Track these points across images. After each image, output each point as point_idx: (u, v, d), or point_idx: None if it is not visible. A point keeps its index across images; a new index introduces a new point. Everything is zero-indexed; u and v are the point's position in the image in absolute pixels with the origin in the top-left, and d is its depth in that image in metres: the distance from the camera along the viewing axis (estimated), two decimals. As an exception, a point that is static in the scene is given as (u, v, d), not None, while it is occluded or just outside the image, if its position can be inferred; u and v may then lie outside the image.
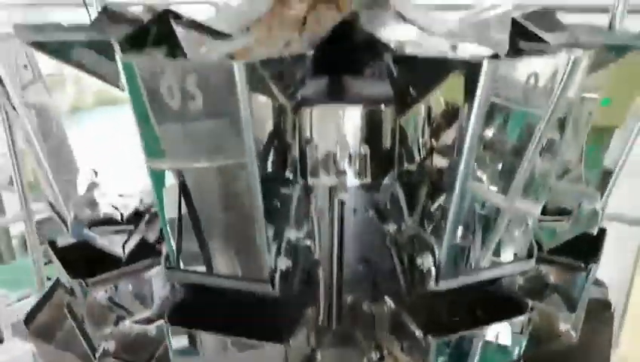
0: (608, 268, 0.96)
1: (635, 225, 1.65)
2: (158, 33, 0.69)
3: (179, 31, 0.64)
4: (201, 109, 0.48)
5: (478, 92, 0.49)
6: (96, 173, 0.80)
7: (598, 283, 1.08)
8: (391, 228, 0.72)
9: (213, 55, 0.62)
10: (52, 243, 0.88)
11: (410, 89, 0.62)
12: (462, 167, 0.54)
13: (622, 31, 0.95)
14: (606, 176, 0.83)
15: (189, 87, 0.47)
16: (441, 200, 0.68)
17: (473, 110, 0.50)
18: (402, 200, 0.71)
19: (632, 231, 2.03)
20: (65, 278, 0.85)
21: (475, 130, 0.52)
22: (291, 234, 0.66)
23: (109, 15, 0.85)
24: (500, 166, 0.64)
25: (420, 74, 0.59)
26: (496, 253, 0.68)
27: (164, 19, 0.67)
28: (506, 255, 0.69)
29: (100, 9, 1.45)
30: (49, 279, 2.16)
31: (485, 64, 0.48)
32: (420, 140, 0.75)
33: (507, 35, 0.65)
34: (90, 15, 1.32)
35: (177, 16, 0.67)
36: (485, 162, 0.61)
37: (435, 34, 0.75)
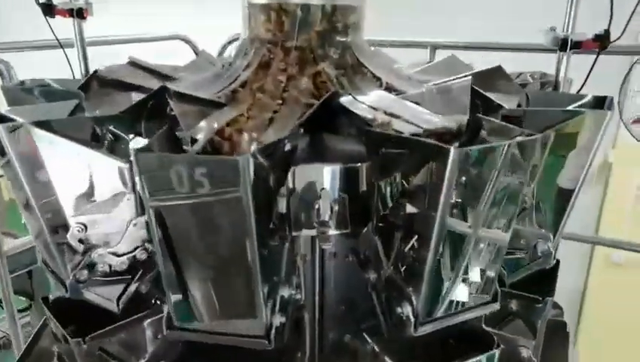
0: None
1: (584, 242, 1.77)
2: (153, 106, 0.75)
3: (175, 106, 0.70)
4: (208, 193, 0.54)
5: (447, 174, 0.57)
6: (85, 226, 0.84)
7: (554, 306, 1.20)
8: (371, 276, 0.79)
9: (212, 125, 0.68)
10: (45, 299, 0.91)
11: (386, 160, 0.70)
12: (434, 235, 0.62)
13: (565, 94, 1.05)
14: (562, 194, 0.89)
15: (197, 178, 0.53)
16: (413, 240, 0.76)
17: (443, 189, 0.58)
18: (380, 249, 0.78)
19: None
20: (59, 332, 0.88)
21: (446, 205, 0.60)
22: (285, 291, 0.73)
23: (97, 80, 0.90)
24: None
25: (394, 151, 0.67)
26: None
27: (160, 94, 0.72)
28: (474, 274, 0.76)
29: (79, 49, 1.49)
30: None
31: (452, 153, 0.56)
32: (393, 184, 0.83)
33: (468, 104, 0.74)
34: (67, 57, 1.35)
35: (169, 92, 0.73)
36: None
37: (407, 98, 0.83)
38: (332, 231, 0.82)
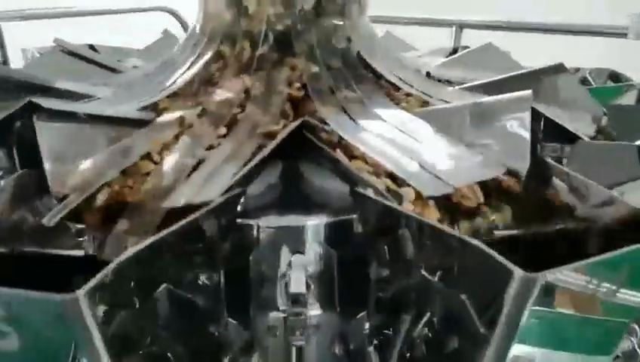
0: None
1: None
2: (23, 128, 0.47)
3: (42, 136, 0.42)
4: (19, 348, 0.27)
5: (509, 300, 0.29)
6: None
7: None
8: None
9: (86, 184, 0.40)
10: None
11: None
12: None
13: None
14: None
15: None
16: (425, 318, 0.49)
17: (500, 320, 0.30)
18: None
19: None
20: None
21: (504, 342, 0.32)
22: None
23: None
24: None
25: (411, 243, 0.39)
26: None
27: (27, 113, 0.45)
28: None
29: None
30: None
31: (517, 277, 0.28)
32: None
33: (528, 143, 0.45)
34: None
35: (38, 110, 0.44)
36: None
37: (431, 116, 0.54)
38: (314, 312, 0.54)
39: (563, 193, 0.43)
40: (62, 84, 0.66)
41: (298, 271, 0.52)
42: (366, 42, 0.67)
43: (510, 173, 0.45)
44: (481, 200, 0.42)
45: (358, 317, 0.56)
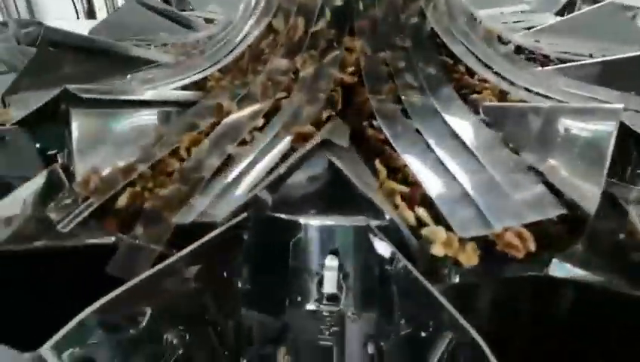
0: None
1: None
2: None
3: (74, 125, 0.42)
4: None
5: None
6: None
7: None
8: None
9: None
10: None
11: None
12: None
13: None
14: None
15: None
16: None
17: None
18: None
19: None
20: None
21: None
22: None
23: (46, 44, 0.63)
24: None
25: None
26: None
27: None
28: None
29: None
30: None
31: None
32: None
33: (602, 180, 0.37)
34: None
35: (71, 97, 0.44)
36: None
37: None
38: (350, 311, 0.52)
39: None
40: (124, 48, 0.66)
41: (332, 271, 0.50)
42: (444, 15, 0.58)
43: (574, 212, 0.37)
44: (532, 248, 0.35)
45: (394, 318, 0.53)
